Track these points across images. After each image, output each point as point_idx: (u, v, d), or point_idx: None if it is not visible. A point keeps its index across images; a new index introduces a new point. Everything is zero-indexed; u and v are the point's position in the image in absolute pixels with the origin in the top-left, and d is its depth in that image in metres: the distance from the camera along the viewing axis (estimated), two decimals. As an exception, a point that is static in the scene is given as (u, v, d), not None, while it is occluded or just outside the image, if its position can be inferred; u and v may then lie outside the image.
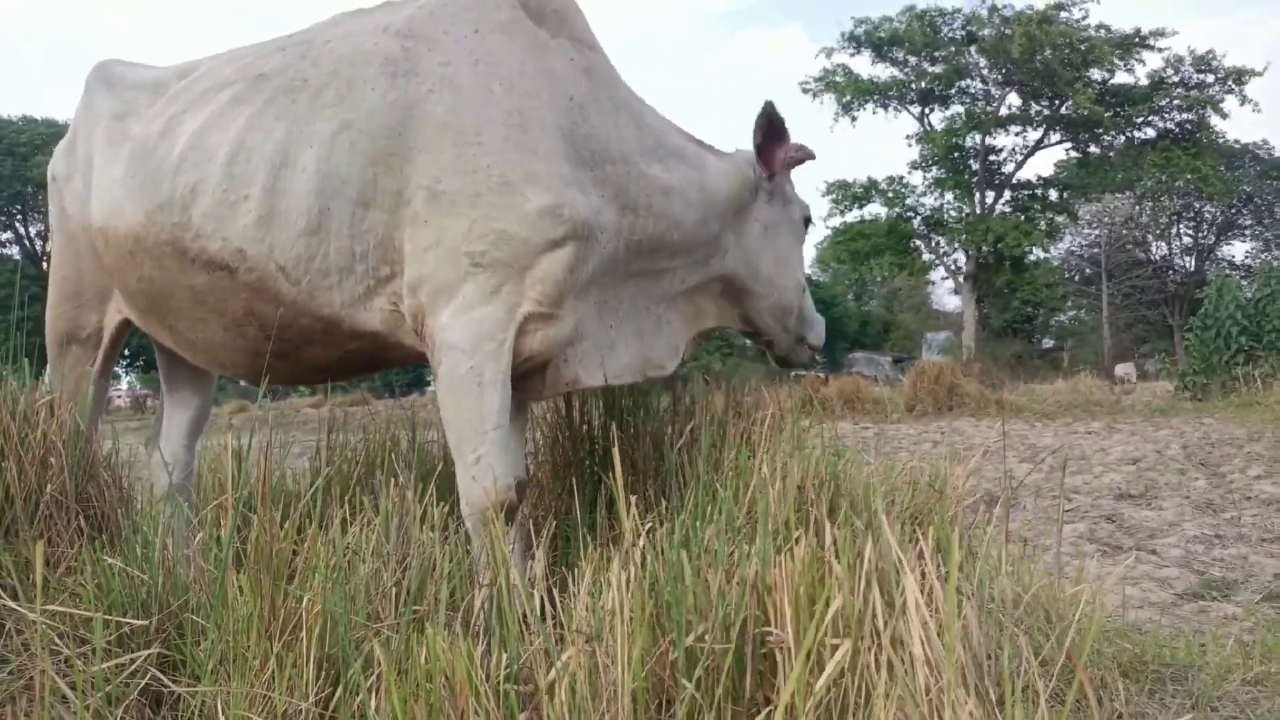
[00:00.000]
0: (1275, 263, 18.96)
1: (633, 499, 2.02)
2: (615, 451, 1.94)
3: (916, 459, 3.28)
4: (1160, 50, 31.58)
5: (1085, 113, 31.00)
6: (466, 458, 2.62)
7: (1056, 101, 32.58)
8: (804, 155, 3.38)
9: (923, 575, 1.53)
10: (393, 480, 2.29)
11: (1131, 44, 31.10)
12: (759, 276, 3.32)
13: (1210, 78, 31.64)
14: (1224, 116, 31.93)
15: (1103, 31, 31.04)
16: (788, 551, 1.56)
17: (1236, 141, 37.02)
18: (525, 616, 1.74)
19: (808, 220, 3.51)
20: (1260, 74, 31.38)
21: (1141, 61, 31.61)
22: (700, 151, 3.26)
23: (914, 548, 1.57)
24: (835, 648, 1.43)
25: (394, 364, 3.29)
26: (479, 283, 2.65)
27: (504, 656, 1.57)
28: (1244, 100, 31.39)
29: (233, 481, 2.00)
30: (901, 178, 35.35)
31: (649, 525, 1.82)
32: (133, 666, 1.88)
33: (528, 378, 2.89)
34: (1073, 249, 45.19)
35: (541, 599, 1.73)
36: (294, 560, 2.00)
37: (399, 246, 2.75)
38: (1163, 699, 2.38)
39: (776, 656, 1.53)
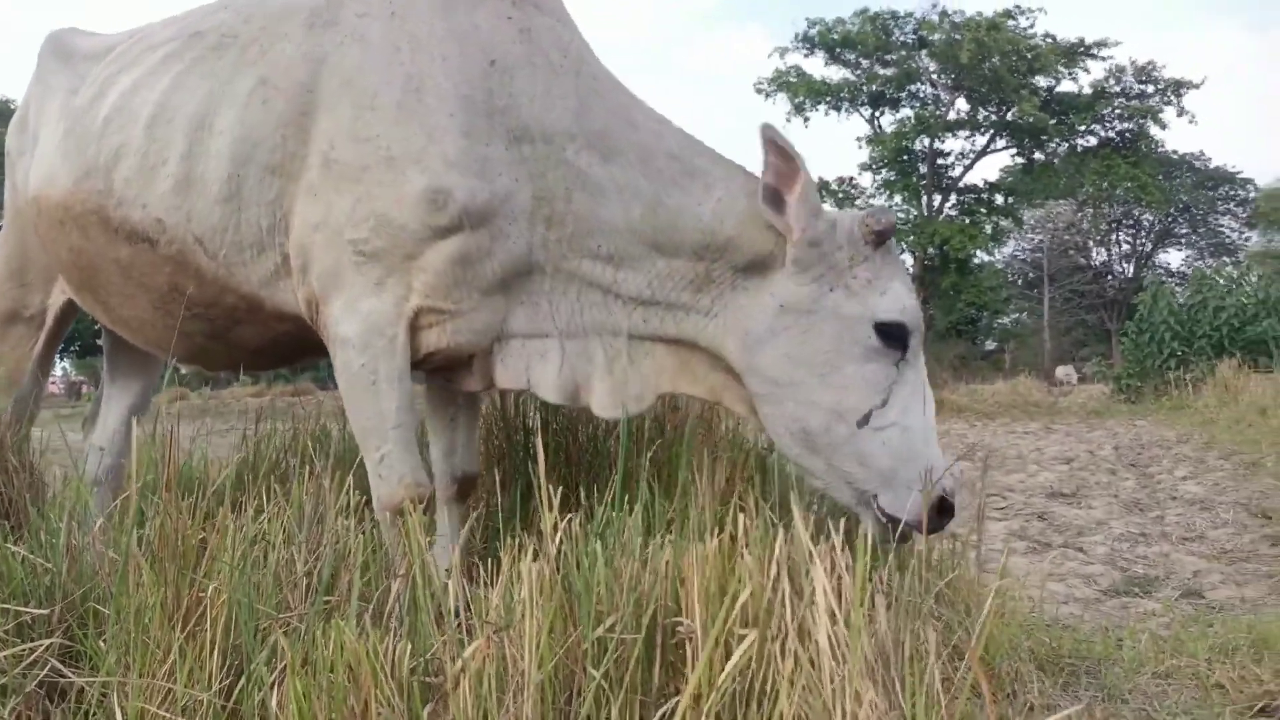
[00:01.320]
0: (1208, 271, 19.55)
1: (558, 490, 2.00)
2: (538, 440, 1.91)
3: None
4: (1103, 60, 32.36)
5: (1030, 120, 31.61)
6: (371, 456, 2.51)
7: (1003, 108, 33.18)
8: (883, 226, 2.42)
9: (832, 566, 1.53)
10: (308, 468, 2.23)
11: (1076, 53, 31.80)
12: (756, 371, 2.48)
13: (1150, 88, 32.50)
14: (1163, 127, 32.83)
15: (1049, 40, 31.68)
16: (699, 542, 1.56)
17: (1174, 152, 38.04)
18: (440, 608, 1.71)
19: (889, 330, 2.40)
20: (1198, 86, 32.31)
21: (1085, 70, 32.36)
22: (708, 171, 2.59)
23: (827, 540, 1.58)
24: (744, 638, 1.42)
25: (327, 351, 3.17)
26: (364, 274, 2.46)
27: (409, 648, 1.54)
28: (1181, 112, 32.28)
29: (138, 468, 1.94)
30: (852, 179, 35.82)
31: (569, 516, 1.80)
32: (31, 657, 1.82)
33: (456, 370, 2.71)
34: (1016, 253, 46.14)
35: (457, 590, 1.70)
36: (205, 549, 1.95)
37: (296, 224, 2.57)
38: (1075, 691, 2.43)
39: (686, 647, 1.52)
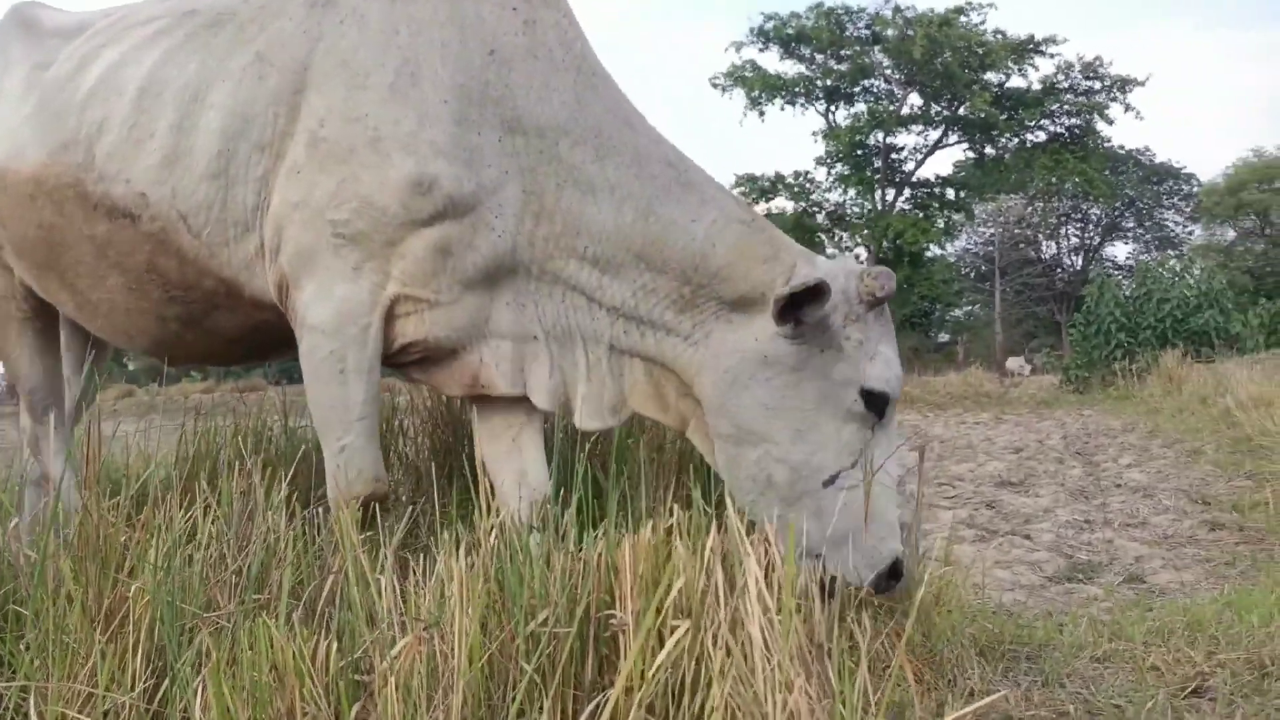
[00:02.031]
0: (1152, 264, 20.00)
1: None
2: (475, 431, 1.88)
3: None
4: (1052, 57, 32.82)
5: (982, 115, 32.03)
6: (331, 446, 2.46)
7: (955, 103, 33.58)
8: (885, 292, 2.36)
9: (765, 554, 1.53)
10: (239, 465, 2.18)
11: (1026, 50, 32.25)
12: (727, 413, 2.40)
13: (1097, 85, 33.07)
14: (1109, 123, 33.41)
15: (999, 37, 32.09)
16: (633, 534, 1.54)
17: (1121, 147, 38.74)
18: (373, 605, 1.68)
19: (873, 397, 2.36)
20: (1143, 84, 32.90)
21: (1035, 67, 32.81)
22: (703, 187, 2.54)
23: (760, 531, 1.57)
24: (677, 630, 1.41)
25: None
26: (341, 257, 2.40)
27: (336, 646, 1.50)
28: (1128, 108, 32.88)
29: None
30: (807, 173, 35.95)
31: (507, 511, 1.78)
32: (-54, 662, 1.75)
33: (432, 365, 2.60)
34: (968, 246, 46.77)
35: (391, 587, 1.66)
36: (133, 548, 1.90)
37: (278, 202, 2.51)
38: (1015, 676, 2.46)
39: (620, 640, 1.51)
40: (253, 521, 1.98)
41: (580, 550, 1.64)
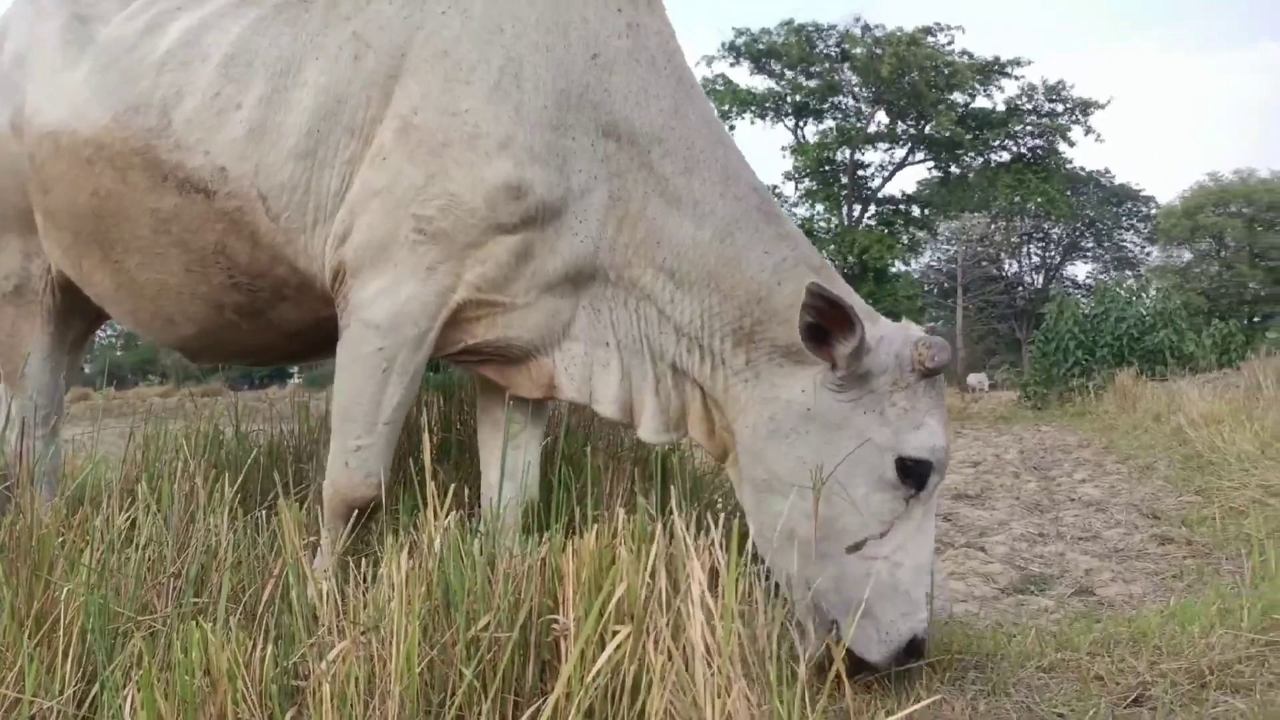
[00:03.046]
0: (1110, 284, 20.37)
1: (448, 489, 1.95)
2: (425, 437, 1.86)
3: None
4: (1017, 78, 33.41)
5: (947, 134, 32.50)
6: (347, 443, 2.33)
7: (921, 122, 34.03)
8: (936, 364, 2.30)
9: (710, 559, 1.53)
10: (180, 466, 2.14)
11: (991, 71, 32.79)
12: (762, 459, 2.38)
13: (1060, 107, 33.69)
14: (1071, 144, 34.05)
15: (966, 57, 32.60)
16: (577, 539, 1.53)
17: (1082, 168, 39.43)
18: (316, 609, 1.65)
19: (911, 466, 2.30)
20: (1104, 106, 33.59)
21: (1000, 88, 33.37)
22: (784, 222, 2.54)
23: (706, 536, 1.57)
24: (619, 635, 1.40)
25: None
26: (417, 254, 2.30)
27: (271, 650, 1.48)
28: (1088, 130, 33.54)
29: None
30: (776, 187, 36.22)
31: (451, 514, 1.76)
32: None
33: (506, 365, 2.54)
34: (932, 263, 47.35)
35: (332, 591, 1.64)
36: (66, 549, 1.85)
37: (358, 186, 2.41)
38: (962, 685, 2.47)
39: (562, 645, 1.50)
40: (194, 524, 1.94)
41: (525, 554, 1.63)
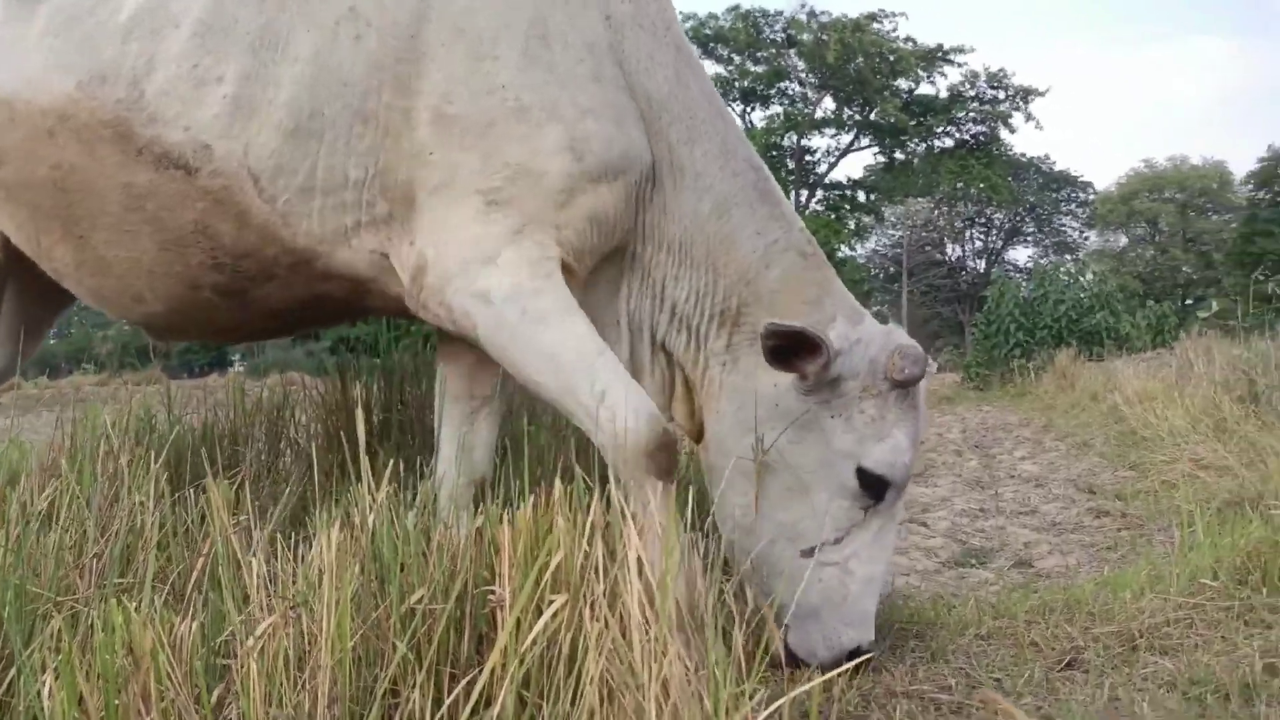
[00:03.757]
0: (1049, 267, 20.82)
1: (390, 464, 1.92)
2: (358, 411, 1.82)
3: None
4: (959, 66, 33.92)
5: (892, 120, 32.89)
6: (585, 401, 2.06)
7: (867, 108, 34.38)
8: (908, 375, 2.24)
9: (648, 526, 1.52)
10: (102, 445, 2.07)
11: (935, 57, 33.21)
12: (724, 445, 2.37)
13: (1001, 94, 34.27)
14: (1012, 131, 34.74)
15: (910, 44, 32.97)
16: (514, 510, 1.52)
17: (1023, 155, 40.25)
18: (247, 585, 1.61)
19: (869, 478, 2.27)
20: (1043, 94, 34.35)
21: (943, 75, 33.86)
22: (780, 203, 2.48)
23: (644, 506, 1.56)
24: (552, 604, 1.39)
25: (365, 314, 2.68)
26: (497, 223, 2.17)
27: (195, 627, 1.43)
28: (1029, 117, 34.18)
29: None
30: (726, 173, 36.31)
31: (387, 488, 1.72)
32: None
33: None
34: (877, 248, 47.96)
35: (262, 567, 1.60)
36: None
37: (403, 183, 2.27)
38: (902, 653, 2.51)
39: (499, 616, 1.48)
40: (118, 503, 1.88)
41: (460, 527, 1.60)
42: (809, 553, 2.29)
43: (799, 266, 2.41)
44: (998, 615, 2.89)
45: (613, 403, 2.03)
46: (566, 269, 2.23)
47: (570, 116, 2.23)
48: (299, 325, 2.72)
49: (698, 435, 2.53)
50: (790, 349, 2.20)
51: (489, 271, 2.16)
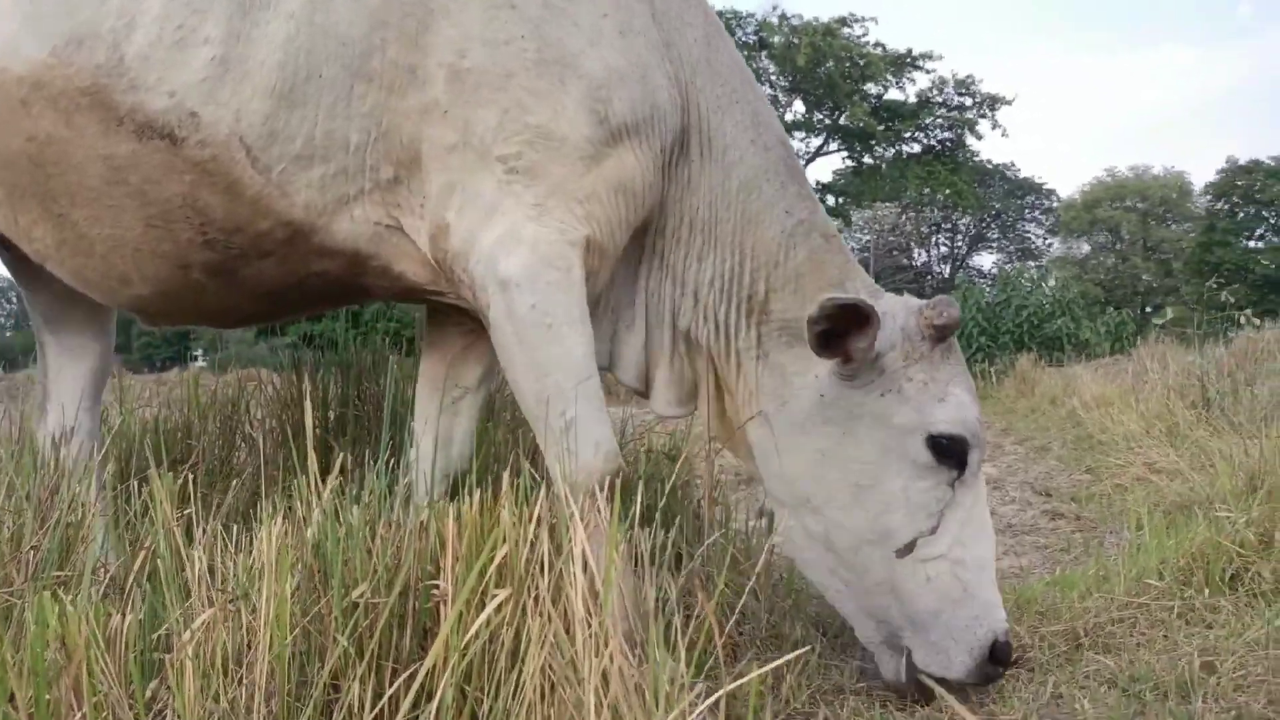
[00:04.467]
0: (1013, 273, 21.11)
1: (338, 457, 1.90)
2: (306, 404, 1.80)
3: (670, 433, 3.33)
4: (928, 72, 34.35)
5: (861, 125, 33.19)
6: (553, 424, 2.00)
7: (836, 112, 34.66)
8: (945, 320, 2.11)
9: (594, 520, 1.52)
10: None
11: (904, 63, 33.57)
12: (776, 453, 2.21)
13: (969, 101, 34.70)
14: (979, 138, 35.24)
15: (880, 49, 33.28)
16: (459, 504, 1.51)
17: (988, 161, 40.82)
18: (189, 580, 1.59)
19: (945, 444, 2.10)
20: (1010, 103, 34.77)
21: (912, 81, 34.26)
22: (805, 182, 2.34)
23: (593, 501, 1.56)
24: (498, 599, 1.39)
25: (363, 298, 2.51)
26: (518, 195, 2.04)
27: (129, 620, 1.41)
28: (995, 125, 34.65)
29: None
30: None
31: (333, 480, 1.71)
32: None
33: None
34: (846, 252, 48.34)
35: (203, 560, 1.57)
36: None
37: (408, 144, 2.13)
38: (852, 652, 2.53)
39: (442, 611, 1.47)
40: (57, 495, 1.85)
41: (404, 520, 1.59)
42: (907, 550, 2.10)
43: (823, 249, 2.29)
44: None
45: (578, 433, 2.00)
46: (598, 248, 2.10)
47: (594, 72, 2.09)
48: (294, 308, 2.56)
49: (730, 440, 2.39)
50: (838, 331, 2.06)
51: (511, 251, 2.04)
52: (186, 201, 2.17)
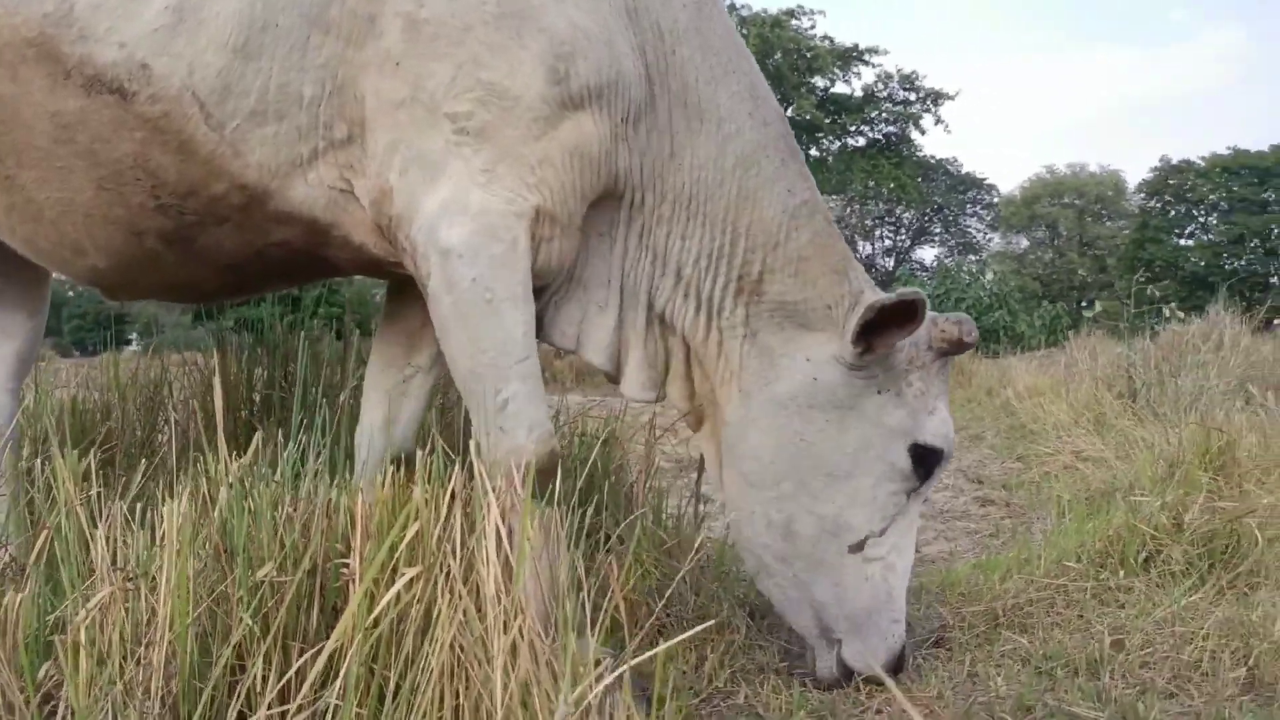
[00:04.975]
0: (953, 267, 21.51)
1: (252, 435, 1.86)
2: (215, 382, 1.76)
3: (612, 420, 3.30)
4: (874, 66, 34.70)
5: (808, 117, 33.43)
6: (487, 403, 1.93)
7: (784, 104, 34.85)
8: (970, 338, 2.14)
9: (507, 497, 1.50)
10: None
11: (850, 57, 33.91)
12: (751, 433, 2.17)
13: (913, 96, 35.19)
14: (922, 133, 35.79)
15: (827, 42, 33.57)
16: (372, 481, 1.49)
17: (932, 156, 41.43)
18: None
19: (924, 455, 2.15)
20: (953, 98, 35.33)
21: (858, 75, 34.60)
22: (803, 163, 2.27)
23: (505, 473, 1.55)
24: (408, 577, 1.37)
25: (331, 272, 2.39)
26: (466, 159, 1.94)
27: (22, 602, 1.37)
28: (938, 120, 35.21)
29: None
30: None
31: (240, 459, 1.67)
32: None
33: None
34: (793, 244, 48.70)
35: (104, 541, 1.52)
36: None
37: (362, 100, 2.02)
38: (779, 633, 2.55)
39: (351, 590, 1.45)
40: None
41: (312, 498, 1.56)
42: (858, 547, 2.13)
43: (826, 233, 2.21)
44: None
45: (512, 413, 1.93)
46: (548, 217, 2.02)
47: (557, 28, 1.99)
48: (260, 283, 2.44)
49: (697, 421, 2.35)
50: (877, 324, 2.04)
51: (454, 220, 1.95)
52: (138, 162, 2.06)
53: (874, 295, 2.14)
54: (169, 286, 2.39)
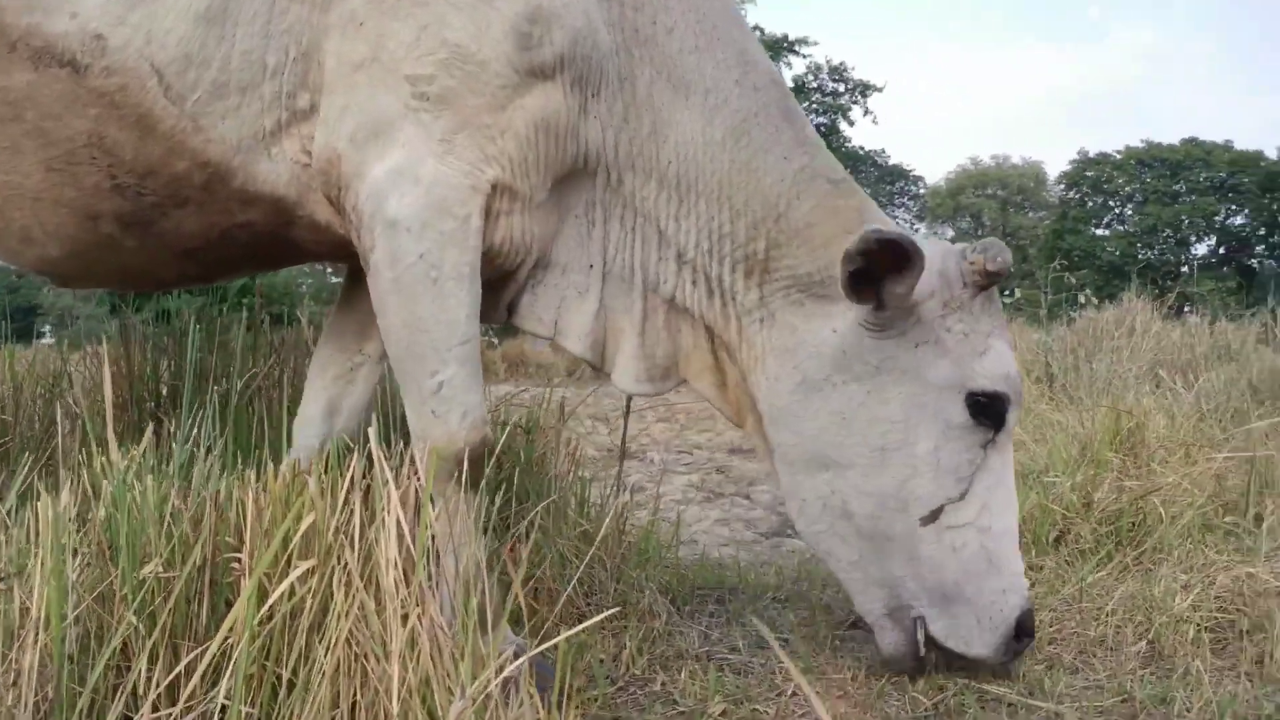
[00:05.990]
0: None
1: (151, 428, 1.78)
2: (104, 370, 1.67)
3: (536, 410, 3.26)
4: (804, 57, 35.02)
5: (740, 107, 33.62)
6: (422, 384, 1.85)
7: (716, 94, 34.99)
8: (998, 265, 1.94)
9: (409, 486, 1.46)
10: None
11: (781, 48, 34.14)
12: (788, 419, 2.03)
13: (842, 87, 35.65)
14: (851, 124, 36.22)
15: (758, 32, 33.76)
16: (264, 472, 1.43)
17: (860, 148, 42.07)
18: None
19: (984, 402, 1.96)
20: (881, 89, 35.92)
21: (789, 65, 34.85)
22: (804, 124, 2.14)
23: (410, 465, 1.51)
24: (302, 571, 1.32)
25: (298, 254, 2.25)
26: (424, 125, 1.84)
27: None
28: (867, 111, 35.72)
29: None
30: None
31: (132, 451, 1.59)
32: None
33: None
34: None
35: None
36: None
37: (323, 64, 1.91)
38: (700, 617, 2.55)
39: (242, 585, 1.39)
40: None
41: (200, 491, 1.50)
42: (932, 517, 1.96)
43: (832, 195, 2.08)
44: (798, 580, 2.99)
45: (447, 396, 1.85)
46: (506, 190, 1.93)
47: None
48: (224, 269, 2.31)
49: (736, 413, 2.20)
50: (872, 273, 1.89)
51: (404, 190, 1.85)
52: (92, 140, 1.93)
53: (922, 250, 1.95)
54: (126, 274, 2.25)
